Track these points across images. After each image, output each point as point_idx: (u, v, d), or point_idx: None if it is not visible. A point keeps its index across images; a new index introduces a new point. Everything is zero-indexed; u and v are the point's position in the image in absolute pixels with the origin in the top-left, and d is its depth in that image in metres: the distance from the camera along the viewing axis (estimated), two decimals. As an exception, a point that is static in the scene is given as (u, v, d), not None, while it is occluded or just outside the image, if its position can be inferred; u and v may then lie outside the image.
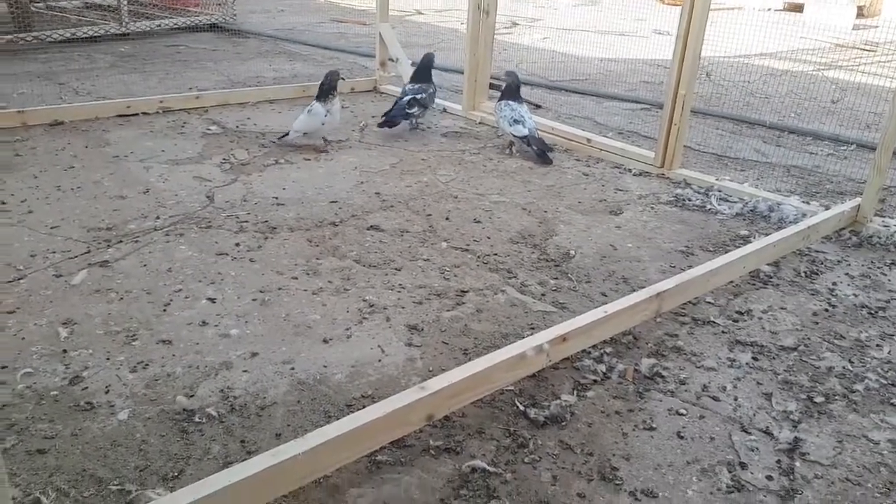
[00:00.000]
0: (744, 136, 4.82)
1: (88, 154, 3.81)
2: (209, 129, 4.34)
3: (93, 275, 2.60)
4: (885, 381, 2.22)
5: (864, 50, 8.36)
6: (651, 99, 5.59)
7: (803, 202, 3.51)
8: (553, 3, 11.51)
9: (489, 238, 3.10)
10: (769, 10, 11.15)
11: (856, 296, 2.75)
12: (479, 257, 2.92)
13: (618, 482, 1.77)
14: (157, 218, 3.09)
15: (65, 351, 2.16)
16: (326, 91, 4.00)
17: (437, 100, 5.02)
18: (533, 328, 2.42)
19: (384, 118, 4.45)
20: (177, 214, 3.14)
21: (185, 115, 4.59)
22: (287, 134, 4.08)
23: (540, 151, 4.11)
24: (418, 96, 4.48)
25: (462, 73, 4.98)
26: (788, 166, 4.22)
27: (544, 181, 3.82)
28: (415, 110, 4.48)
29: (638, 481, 1.78)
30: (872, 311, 2.64)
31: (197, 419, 1.91)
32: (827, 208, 3.39)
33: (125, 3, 6.84)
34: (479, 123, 4.83)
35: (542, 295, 2.66)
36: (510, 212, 3.38)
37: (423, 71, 4.61)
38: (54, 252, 2.75)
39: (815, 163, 4.31)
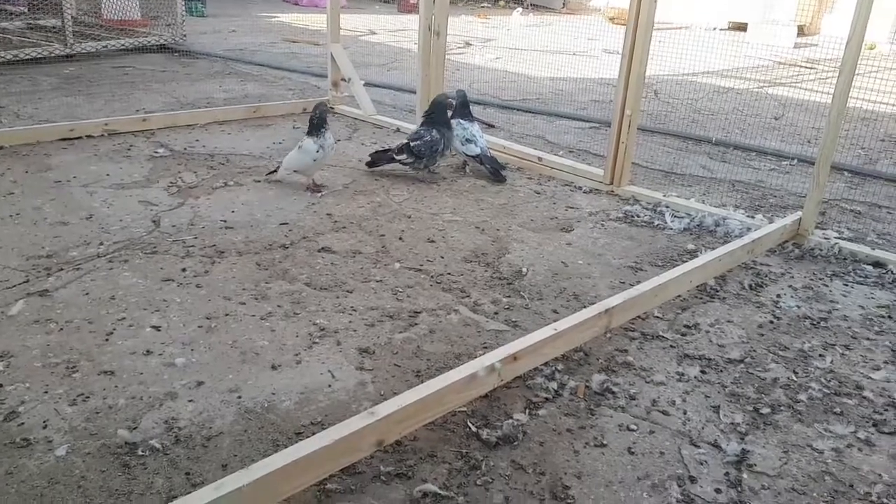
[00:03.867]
0: (690, 153, 4.94)
1: (29, 179, 3.69)
2: (156, 152, 4.25)
3: (31, 305, 2.51)
4: (827, 391, 2.28)
5: (804, 67, 8.66)
6: (600, 117, 5.69)
7: (748, 216, 3.60)
8: (506, 24, 11.67)
9: (443, 257, 3.10)
10: (715, 29, 11.49)
11: (799, 307, 2.82)
12: (432, 277, 2.91)
13: (570, 501, 1.77)
14: (101, 244, 3.01)
15: (0, 385, 2.08)
16: (317, 125, 3.71)
17: (395, 121, 5.04)
18: (486, 347, 2.41)
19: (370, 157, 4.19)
20: (121, 240, 3.06)
21: (131, 138, 4.50)
22: (276, 170, 3.84)
23: (492, 170, 4.13)
24: (412, 143, 4.01)
25: (415, 92, 4.99)
26: (733, 181, 4.33)
27: (497, 200, 3.84)
28: (403, 157, 4.02)
29: (590, 500, 1.78)
30: (815, 322, 2.71)
31: (140, 452, 1.84)
32: (770, 222, 3.49)
33: (70, 23, 6.70)
34: (432, 143, 4.84)
35: (495, 313, 2.66)
36: (463, 231, 3.39)
37: (436, 113, 4.11)
38: (-10, 282, 2.66)
39: (759, 177, 4.44)
